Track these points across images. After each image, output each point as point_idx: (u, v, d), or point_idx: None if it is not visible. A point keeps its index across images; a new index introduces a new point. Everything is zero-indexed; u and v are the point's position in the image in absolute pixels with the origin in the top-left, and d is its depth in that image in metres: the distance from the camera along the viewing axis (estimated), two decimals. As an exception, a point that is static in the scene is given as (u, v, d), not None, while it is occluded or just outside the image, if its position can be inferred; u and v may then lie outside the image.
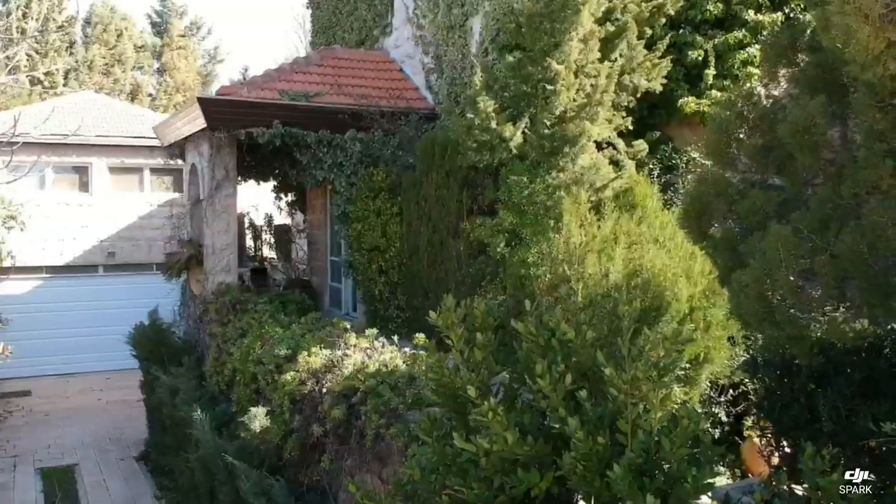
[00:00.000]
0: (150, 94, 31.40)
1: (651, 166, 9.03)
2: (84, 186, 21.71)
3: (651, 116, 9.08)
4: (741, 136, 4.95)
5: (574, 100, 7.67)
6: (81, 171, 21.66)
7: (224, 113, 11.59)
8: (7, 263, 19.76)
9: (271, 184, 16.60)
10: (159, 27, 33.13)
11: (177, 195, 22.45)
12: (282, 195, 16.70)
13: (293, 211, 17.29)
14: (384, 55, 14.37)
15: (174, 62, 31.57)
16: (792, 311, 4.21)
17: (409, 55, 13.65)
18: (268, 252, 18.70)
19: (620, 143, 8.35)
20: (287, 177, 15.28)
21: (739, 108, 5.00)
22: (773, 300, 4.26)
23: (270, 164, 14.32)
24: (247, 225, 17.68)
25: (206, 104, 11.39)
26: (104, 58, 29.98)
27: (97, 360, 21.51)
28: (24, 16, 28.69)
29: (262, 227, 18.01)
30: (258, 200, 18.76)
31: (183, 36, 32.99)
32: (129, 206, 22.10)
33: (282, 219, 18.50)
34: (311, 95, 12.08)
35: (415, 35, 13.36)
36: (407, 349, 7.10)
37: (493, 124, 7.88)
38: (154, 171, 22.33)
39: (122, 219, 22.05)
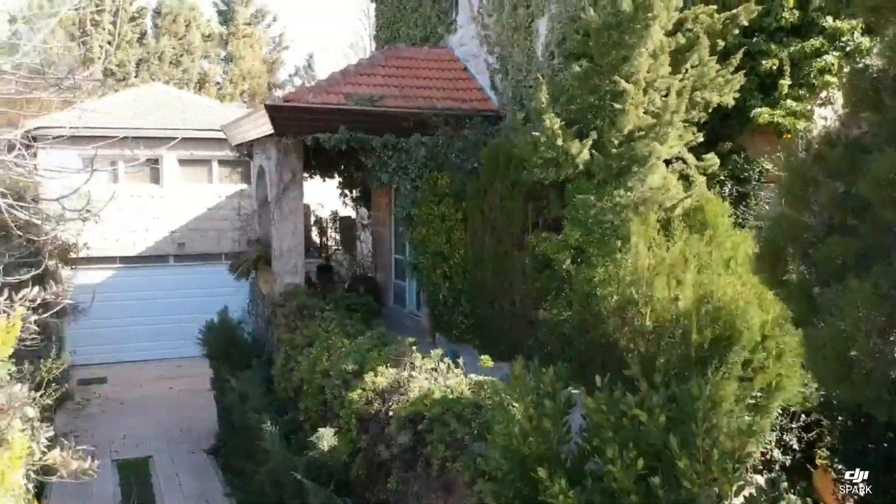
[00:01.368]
0: (217, 83, 31.90)
1: (722, 178, 8.81)
2: (155, 179, 22.22)
3: (722, 127, 8.83)
4: (819, 179, 4.79)
5: (643, 118, 7.51)
6: (152, 163, 22.16)
7: (290, 119, 11.71)
8: (83, 254, 20.38)
9: (336, 180, 16.74)
10: (225, 15, 33.56)
11: (244, 186, 22.84)
12: (347, 191, 16.84)
13: (358, 207, 17.43)
14: (448, 53, 14.29)
15: (240, 51, 31.97)
16: (870, 372, 4.08)
17: (473, 54, 13.56)
18: (332, 244, 18.95)
19: (690, 158, 8.16)
20: (352, 175, 15.44)
21: (817, 149, 4.83)
22: (851, 360, 4.14)
23: (336, 162, 14.46)
24: (313, 221, 17.92)
25: (273, 111, 11.51)
26: (174, 48, 30.53)
27: (168, 348, 22.12)
28: (98, 8, 29.40)
29: (327, 221, 18.23)
30: (324, 197, 18.95)
31: (248, 24, 33.36)
32: (199, 197, 22.57)
33: (347, 212, 18.67)
34: (376, 99, 12.10)
35: (479, 34, 13.26)
36: (473, 375, 7.10)
37: (560, 141, 7.77)
38: (222, 162, 22.71)
39: (192, 210, 22.54)
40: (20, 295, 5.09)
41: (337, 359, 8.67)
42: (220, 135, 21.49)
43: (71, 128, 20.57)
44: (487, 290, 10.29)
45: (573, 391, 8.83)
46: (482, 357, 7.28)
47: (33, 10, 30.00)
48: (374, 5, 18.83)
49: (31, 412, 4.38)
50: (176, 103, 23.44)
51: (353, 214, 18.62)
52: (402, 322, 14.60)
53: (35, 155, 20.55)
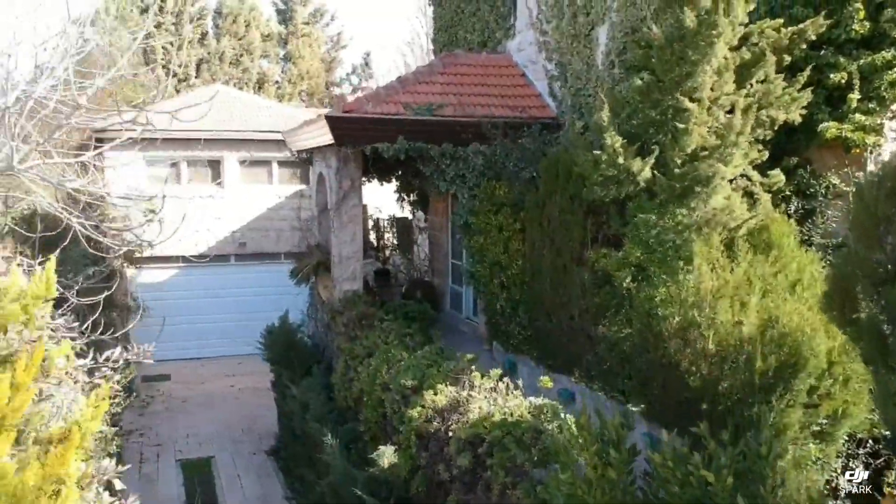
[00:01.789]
0: (276, 82, 32.32)
1: (787, 192, 8.64)
2: (216, 179, 22.65)
3: (788, 141, 8.63)
4: (891, 216, 4.68)
5: (707, 138, 7.40)
6: (214, 164, 22.60)
7: (350, 129, 11.83)
8: (146, 254, 20.90)
9: (394, 184, 16.86)
10: (284, 15, 33.96)
11: (303, 187, 23.16)
12: (404, 195, 16.95)
13: (415, 210, 17.53)
14: (507, 59, 14.25)
15: (298, 50, 32.33)
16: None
17: (532, 60, 13.50)
18: (389, 245, 19.11)
19: (755, 175, 8.01)
20: (410, 181, 15.55)
21: (889, 185, 4.72)
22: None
23: (394, 167, 14.59)
24: (370, 225, 18.08)
25: (333, 122, 11.64)
26: (234, 49, 31.03)
27: (229, 345, 22.58)
28: (161, 10, 30.03)
29: (384, 223, 18.37)
30: (382, 199, 19.08)
31: (307, 23, 33.70)
32: (259, 198, 22.95)
33: (404, 214, 18.79)
34: (435, 108, 12.14)
35: (538, 40, 13.19)
36: (532, 398, 7.11)
37: (621, 159, 7.71)
38: (282, 163, 23.02)
39: (252, 210, 22.94)
40: (104, 356, 5.25)
41: (396, 373, 8.76)
42: (280, 136, 21.87)
43: (143, 129, 21.08)
44: (545, 303, 10.26)
45: (633, 409, 8.80)
46: (542, 378, 7.27)
47: (100, 15, 30.79)
48: (431, 8, 18.85)
49: (119, 485, 4.51)
50: (236, 104, 23.82)
51: (409, 216, 18.75)
52: (459, 328, 14.67)
53: (102, 156, 21.16)
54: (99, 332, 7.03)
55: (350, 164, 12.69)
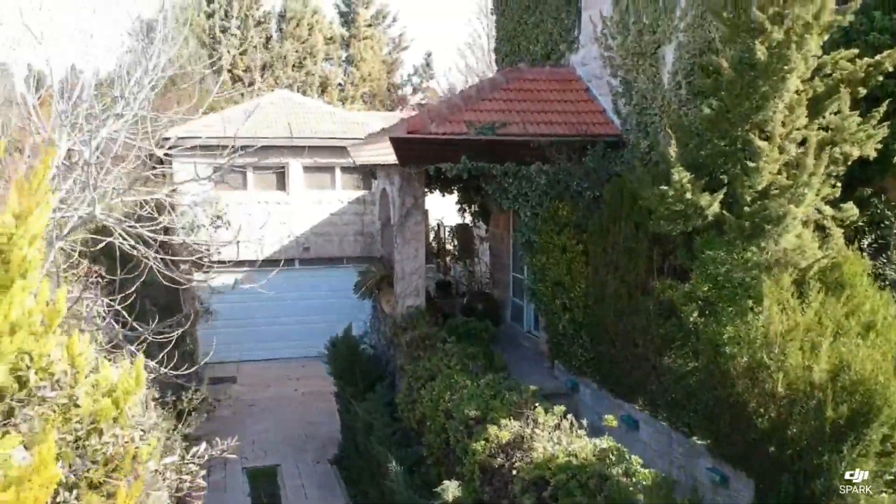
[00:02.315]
0: (339, 84, 32.65)
1: (861, 224, 8.42)
2: (281, 185, 23.04)
3: (862, 171, 8.42)
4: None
5: (778, 177, 7.26)
6: (278, 170, 22.99)
7: (414, 150, 11.92)
8: (214, 258, 21.40)
9: (456, 195, 16.92)
10: (347, 17, 34.25)
11: (366, 192, 23.44)
12: (465, 206, 17.00)
13: (476, 220, 17.56)
14: (570, 72, 14.14)
15: (360, 53, 32.60)
16: None
17: (596, 75, 13.38)
18: (450, 250, 19.21)
19: (827, 209, 7.83)
20: (471, 196, 15.59)
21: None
22: None
23: (456, 181, 14.63)
24: (432, 237, 18.18)
25: (397, 143, 11.73)
26: (297, 52, 31.45)
27: (293, 348, 23.02)
28: (227, 14, 30.58)
29: (445, 232, 18.46)
30: (444, 207, 19.17)
31: (369, 25, 33.94)
32: (322, 203, 23.29)
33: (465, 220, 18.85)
34: (498, 126, 12.13)
35: (602, 55, 13.06)
36: (596, 440, 7.10)
37: (689, 195, 7.62)
38: (344, 169, 23.30)
39: (316, 215, 23.29)
40: (192, 453, 5.45)
41: (459, 400, 8.84)
42: (343, 143, 22.15)
43: (205, 138, 21.56)
44: (609, 329, 10.22)
45: (698, 441, 8.71)
46: (606, 417, 7.25)
47: (168, 22, 31.51)
48: (494, 17, 18.80)
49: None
50: (300, 110, 24.17)
51: (471, 223, 18.81)
52: (520, 342, 14.68)
53: (170, 164, 21.67)
54: (172, 365, 7.27)
55: (413, 182, 12.79)
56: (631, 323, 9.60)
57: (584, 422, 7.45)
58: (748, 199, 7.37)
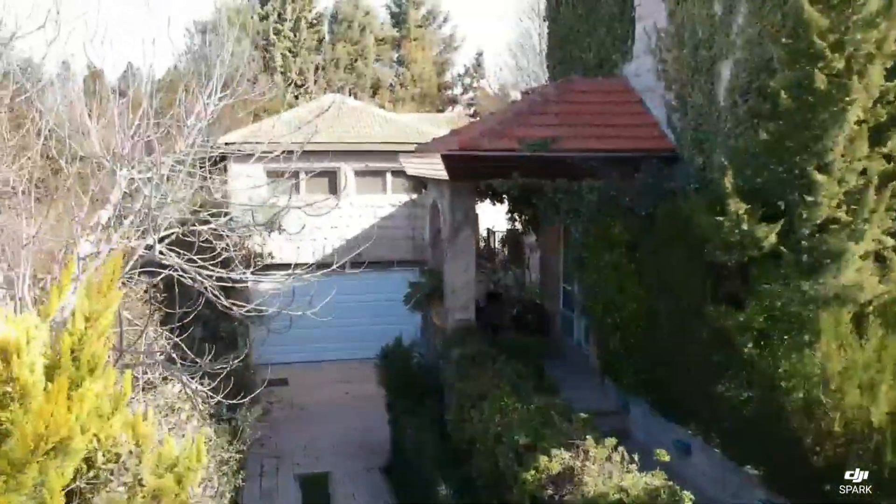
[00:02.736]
0: (390, 85, 32.78)
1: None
2: (333, 190, 23.24)
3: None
4: None
5: (837, 208, 7.10)
6: (330, 175, 23.18)
7: (464, 166, 11.94)
8: (267, 262, 21.73)
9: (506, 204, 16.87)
10: (398, 17, 34.35)
11: (415, 196, 23.50)
12: (516, 216, 16.93)
13: (527, 230, 17.48)
14: (623, 83, 13.96)
15: (411, 54, 32.68)
16: None
17: (649, 87, 13.19)
18: (500, 255, 19.18)
19: (889, 241, 7.62)
20: (522, 208, 15.51)
21: None
22: None
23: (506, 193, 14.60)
24: (482, 244, 18.18)
25: (448, 160, 11.77)
26: (349, 54, 31.65)
27: (344, 350, 23.23)
28: (280, 17, 30.91)
29: (494, 240, 18.43)
30: (495, 214, 19.14)
31: (420, 26, 33.99)
32: (373, 206, 23.45)
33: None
34: (550, 143, 12.06)
35: (657, 68, 12.88)
36: (647, 478, 7.03)
37: (745, 226, 7.50)
38: (395, 173, 23.38)
39: (367, 219, 23.46)
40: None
41: (509, 426, 8.84)
42: (394, 147, 22.27)
43: (257, 143, 21.86)
44: (661, 351, 10.12)
45: (752, 472, 8.58)
46: (658, 451, 7.18)
47: (223, 25, 31.90)
48: (546, 23, 18.68)
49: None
50: (352, 114, 24.33)
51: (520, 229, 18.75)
52: (570, 355, 14.62)
53: (226, 170, 22.01)
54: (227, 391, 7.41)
55: (464, 197, 12.80)
56: (684, 347, 9.49)
57: (635, 455, 7.38)
58: (806, 232, 7.21)
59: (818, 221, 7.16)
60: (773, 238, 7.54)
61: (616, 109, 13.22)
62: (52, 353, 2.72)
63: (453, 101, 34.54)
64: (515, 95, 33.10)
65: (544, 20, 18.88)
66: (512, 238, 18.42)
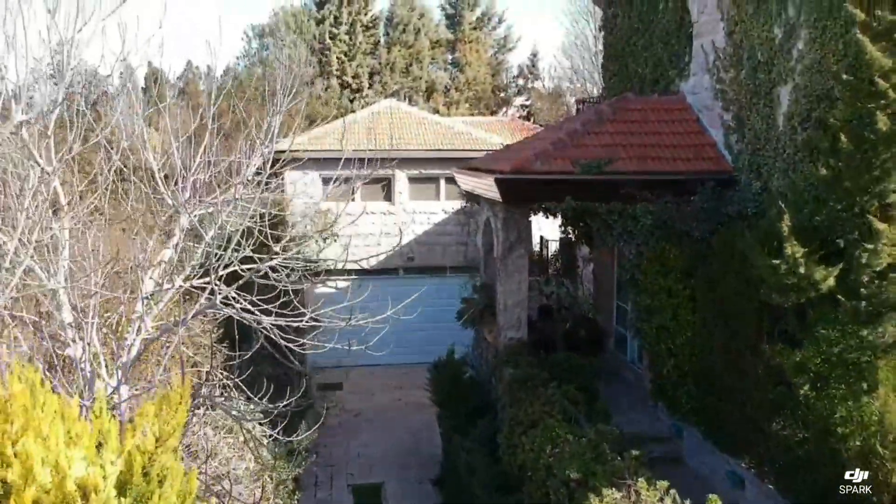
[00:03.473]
0: (445, 88, 32.82)
1: None
2: (387, 196, 23.46)
3: None
4: None
5: (898, 257, 6.97)
6: (384, 181, 23.39)
7: (517, 189, 11.96)
8: (324, 268, 22.04)
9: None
10: (453, 19, 34.35)
11: (468, 204, 23.59)
12: (570, 229, 16.88)
13: (579, 243, 17.43)
14: (680, 101, 13.78)
15: (466, 56, 32.69)
16: None
17: (707, 106, 13.02)
18: (554, 264, 19.16)
19: (953, 286, 7.45)
20: (576, 224, 15.45)
21: None
22: None
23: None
24: (535, 255, 18.17)
25: (501, 184, 11.81)
26: (404, 58, 31.79)
27: (396, 354, 23.23)
28: (336, 20, 31.18)
29: (548, 256, 18.41)
30: (547, 226, 19.13)
31: (475, 28, 33.96)
32: (426, 213, 23.60)
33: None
34: (605, 164, 11.99)
35: (714, 87, 12.70)
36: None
37: (802, 269, 7.40)
38: (448, 180, 23.51)
39: (420, 225, 23.63)
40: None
41: (560, 458, 8.87)
42: (448, 154, 22.43)
43: (310, 151, 22.22)
44: (715, 382, 10.04)
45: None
46: (710, 497, 7.14)
47: (280, 29, 32.38)
48: (602, 33, 18.53)
49: None
50: (406, 119, 24.50)
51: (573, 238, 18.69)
52: (623, 374, 14.57)
53: (283, 177, 22.37)
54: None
55: (517, 217, 12.81)
56: (739, 380, 9.41)
57: (688, 483, 7.35)
58: (865, 279, 7.09)
59: (878, 269, 7.03)
60: (831, 281, 7.42)
61: (672, 129, 13.07)
62: (124, 470, 2.88)
63: (507, 102, 34.47)
64: (569, 99, 32.93)
65: (599, 30, 18.74)
66: (565, 248, 18.40)
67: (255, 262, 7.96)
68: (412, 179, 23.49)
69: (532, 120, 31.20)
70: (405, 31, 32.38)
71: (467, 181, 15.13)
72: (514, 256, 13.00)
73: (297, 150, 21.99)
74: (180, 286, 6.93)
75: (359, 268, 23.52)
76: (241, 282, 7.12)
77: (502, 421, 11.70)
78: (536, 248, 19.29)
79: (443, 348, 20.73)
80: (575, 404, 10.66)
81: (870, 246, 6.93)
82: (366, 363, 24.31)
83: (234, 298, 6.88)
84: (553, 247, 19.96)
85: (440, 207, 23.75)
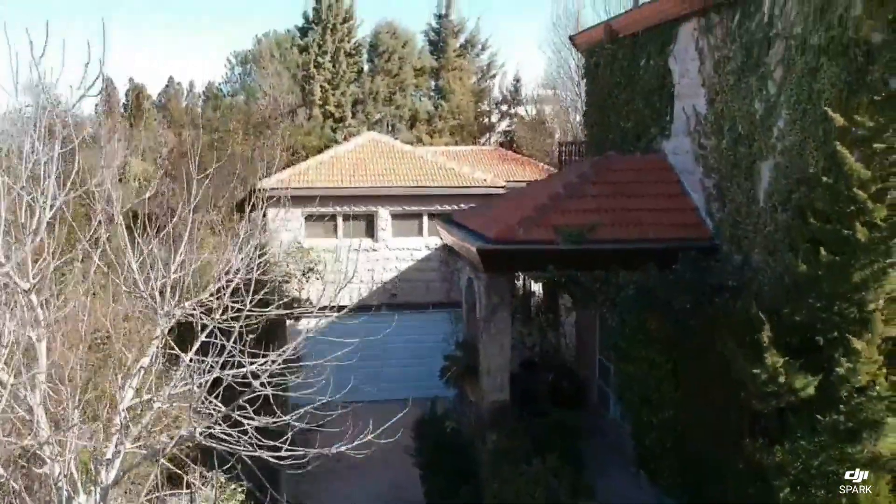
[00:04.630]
0: (428, 115, 32.74)
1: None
2: (370, 232, 23.37)
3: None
4: None
5: (877, 375, 7.00)
6: (367, 218, 23.31)
7: (500, 259, 11.96)
8: (305, 307, 21.97)
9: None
10: (437, 45, 34.32)
11: (450, 258, 23.60)
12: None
13: (562, 296, 17.45)
14: (661, 161, 13.80)
15: (450, 84, 32.66)
16: None
17: (688, 170, 13.06)
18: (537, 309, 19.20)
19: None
20: (558, 285, 15.50)
21: None
22: None
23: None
24: (519, 288, 18.18)
25: (484, 255, 11.82)
26: (388, 86, 31.72)
27: (379, 391, 23.34)
28: (320, 48, 31.07)
29: (532, 299, 18.44)
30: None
31: (458, 56, 33.95)
32: (409, 249, 23.55)
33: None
34: (587, 231, 12.00)
35: (695, 151, 12.76)
36: None
37: (782, 378, 7.43)
38: (431, 216, 23.48)
39: (402, 261, 23.56)
40: None
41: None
42: (431, 192, 22.46)
43: (293, 189, 22.13)
44: (698, 463, 10.06)
45: None
46: None
47: (264, 57, 32.25)
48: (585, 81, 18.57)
49: None
50: (389, 153, 24.42)
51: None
52: (606, 430, 14.57)
53: (265, 215, 22.23)
54: None
55: (500, 281, 12.79)
56: (721, 467, 9.42)
57: None
58: (844, 394, 7.12)
59: (857, 386, 7.07)
60: (811, 390, 7.46)
61: (654, 191, 13.10)
62: None
63: (490, 128, 34.49)
64: (552, 123, 33.02)
65: (582, 77, 18.77)
66: (548, 294, 18.43)
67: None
68: (395, 216, 23.43)
69: (514, 146, 31.19)
70: (389, 59, 32.33)
71: (450, 236, 15.11)
72: (496, 319, 12.97)
73: (279, 189, 22.08)
74: (160, 406, 6.87)
75: (341, 305, 23.55)
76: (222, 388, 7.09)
77: (486, 494, 11.68)
78: (520, 291, 19.30)
79: (428, 384, 20.81)
80: (559, 479, 10.65)
81: (848, 364, 6.97)
82: (352, 399, 24.30)
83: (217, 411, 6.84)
84: (536, 287, 20.01)
85: (423, 244, 23.67)
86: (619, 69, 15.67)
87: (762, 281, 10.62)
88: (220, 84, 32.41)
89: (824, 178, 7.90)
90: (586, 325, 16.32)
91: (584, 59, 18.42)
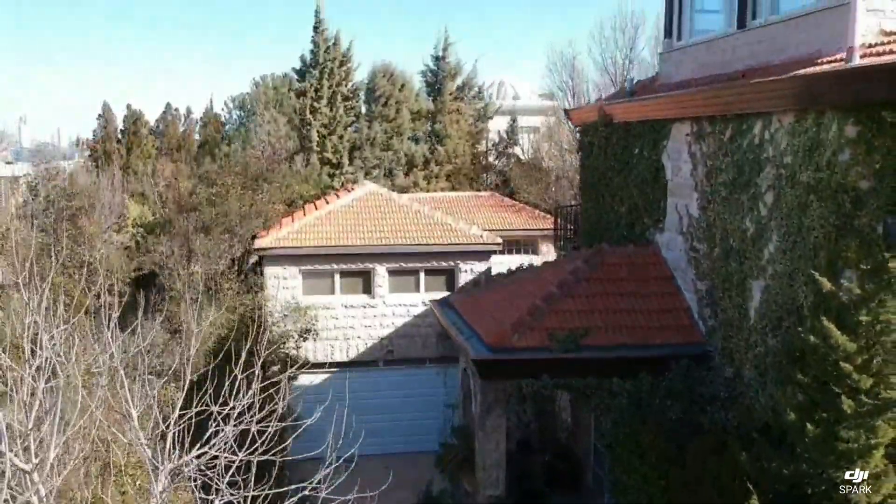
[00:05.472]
0: (425, 160, 32.81)
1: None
2: (367, 289, 23.51)
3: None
4: None
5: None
6: (364, 274, 23.45)
7: (495, 368, 12.12)
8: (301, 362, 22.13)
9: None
10: (433, 87, 34.45)
11: (448, 293, 23.69)
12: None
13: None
14: (655, 255, 13.93)
15: (446, 129, 32.80)
16: None
17: (681, 268, 13.20)
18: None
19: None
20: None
21: None
22: None
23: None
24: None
25: (479, 365, 12.00)
26: (386, 132, 31.84)
27: (378, 445, 23.45)
28: (317, 93, 31.20)
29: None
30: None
31: (455, 98, 34.08)
32: (406, 305, 23.69)
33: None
34: (580, 336, 12.18)
35: (688, 252, 12.89)
36: None
37: None
38: (428, 272, 23.64)
39: (399, 317, 23.71)
40: None
41: None
42: (427, 249, 22.66)
43: (292, 248, 22.28)
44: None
45: None
46: None
47: (260, 102, 32.38)
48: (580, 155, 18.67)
49: None
50: (386, 208, 24.57)
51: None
52: (601, 519, 14.70)
53: (262, 273, 22.35)
54: None
55: (495, 382, 12.94)
56: None
57: None
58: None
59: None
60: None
61: (647, 290, 13.25)
62: None
63: (486, 169, 34.63)
64: (548, 164, 33.16)
65: (577, 151, 18.89)
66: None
67: None
68: (392, 272, 23.58)
69: (512, 190, 31.35)
70: (386, 104, 32.49)
71: (445, 322, 15.25)
72: (491, 417, 13.13)
73: (276, 248, 22.23)
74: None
75: (339, 361, 23.68)
76: None
77: None
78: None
79: (426, 437, 21.06)
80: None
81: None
82: (345, 454, 24.41)
83: None
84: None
85: (420, 299, 23.81)
86: (612, 154, 15.78)
87: (752, 397, 10.83)
88: (220, 118, 32.44)
89: (812, 338, 8.02)
90: (581, 413, 16.45)
91: (579, 134, 18.55)
